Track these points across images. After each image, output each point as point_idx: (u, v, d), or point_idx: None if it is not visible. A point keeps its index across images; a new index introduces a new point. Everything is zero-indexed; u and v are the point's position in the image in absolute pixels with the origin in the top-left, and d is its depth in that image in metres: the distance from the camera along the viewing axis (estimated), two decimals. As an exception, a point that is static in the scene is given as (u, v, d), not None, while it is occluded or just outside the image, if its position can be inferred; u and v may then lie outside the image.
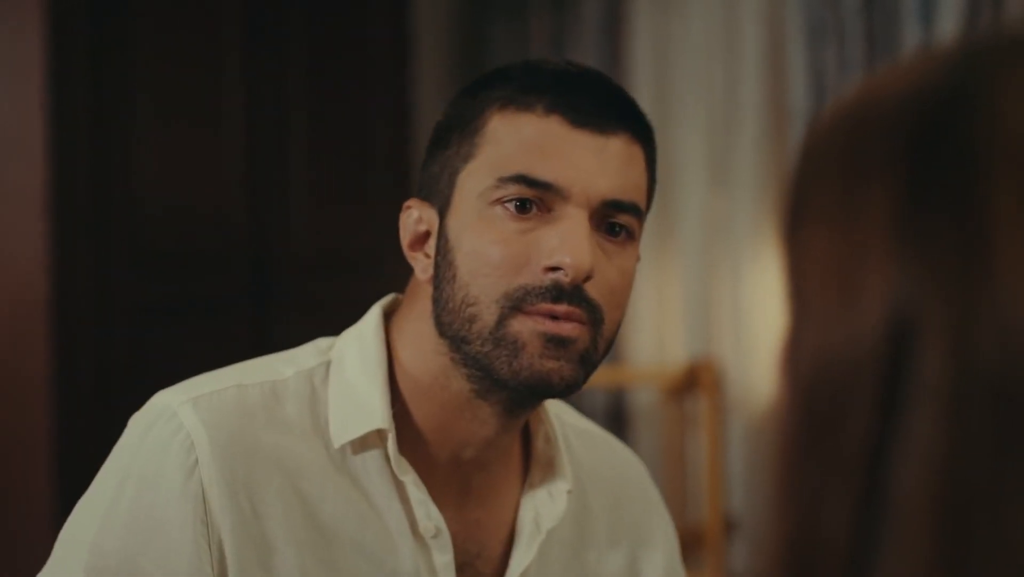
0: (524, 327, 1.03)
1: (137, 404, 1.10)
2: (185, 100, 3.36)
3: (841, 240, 0.51)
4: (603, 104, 1.06)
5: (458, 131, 1.08)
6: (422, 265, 1.09)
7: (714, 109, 3.71)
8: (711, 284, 3.72)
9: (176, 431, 1.04)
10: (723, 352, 3.67)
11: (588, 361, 1.05)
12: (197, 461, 1.03)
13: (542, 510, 1.14)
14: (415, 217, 1.11)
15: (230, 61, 3.43)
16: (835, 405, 0.50)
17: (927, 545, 0.47)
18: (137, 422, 1.08)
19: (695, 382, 3.47)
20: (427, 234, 1.10)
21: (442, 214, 1.08)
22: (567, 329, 1.03)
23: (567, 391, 1.06)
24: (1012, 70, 0.50)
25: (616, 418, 3.78)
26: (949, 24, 3.16)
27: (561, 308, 1.02)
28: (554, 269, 1.02)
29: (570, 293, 1.02)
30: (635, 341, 3.79)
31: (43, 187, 3.06)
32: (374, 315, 1.13)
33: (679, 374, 3.50)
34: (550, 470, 1.15)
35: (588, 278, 1.03)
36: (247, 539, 1.04)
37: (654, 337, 3.79)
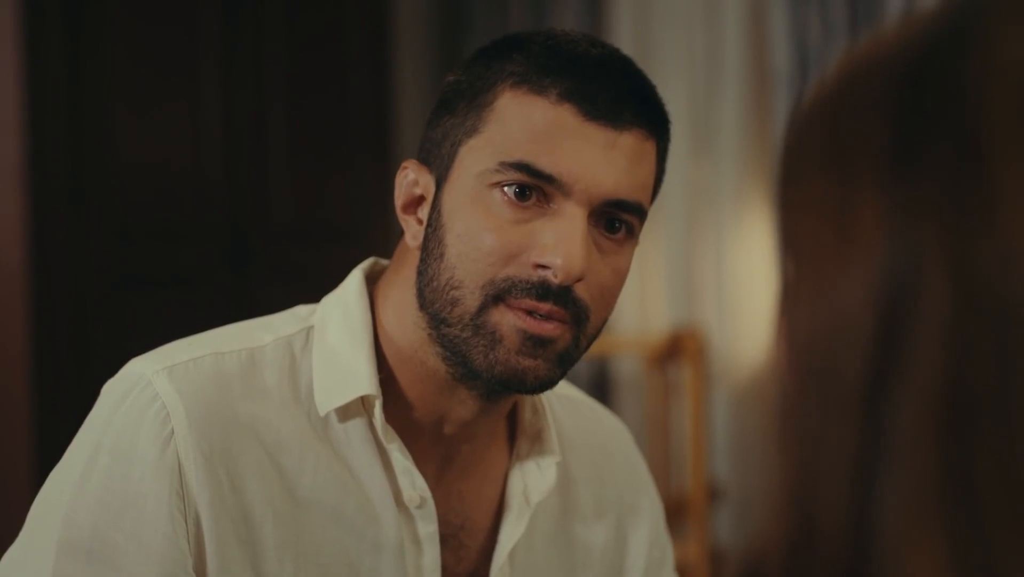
0: (504, 319, 1.01)
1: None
2: (163, 69, 3.33)
3: (836, 185, 0.51)
4: (619, 96, 1.02)
5: (467, 99, 1.04)
6: (413, 231, 1.07)
7: (696, 75, 3.69)
8: (694, 251, 3.71)
9: (151, 401, 1.02)
10: (706, 320, 3.66)
11: (567, 360, 1.03)
12: (173, 432, 1.01)
13: (531, 483, 1.12)
14: (411, 179, 1.08)
15: (208, 29, 3.40)
16: (833, 349, 0.50)
17: (932, 469, 0.47)
18: (110, 391, 1.05)
19: (679, 350, 3.46)
20: (421, 198, 1.07)
21: (439, 183, 1.05)
22: (548, 329, 1.01)
23: (540, 389, 1.04)
24: (1005, 9, 0.51)
25: (599, 386, 3.77)
26: (933, -12, 3.14)
27: (545, 307, 1.00)
28: (544, 267, 1.00)
29: (557, 293, 1.00)
30: (618, 309, 3.76)
31: (20, 156, 3.02)
32: (356, 279, 1.11)
33: (663, 342, 3.48)
34: (538, 442, 1.13)
35: (579, 280, 1.00)
36: (224, 512, 1.02)
37: (637, 305, 3.78)
